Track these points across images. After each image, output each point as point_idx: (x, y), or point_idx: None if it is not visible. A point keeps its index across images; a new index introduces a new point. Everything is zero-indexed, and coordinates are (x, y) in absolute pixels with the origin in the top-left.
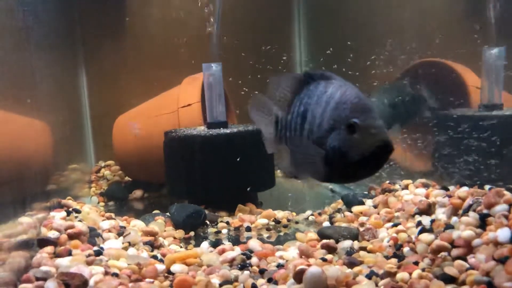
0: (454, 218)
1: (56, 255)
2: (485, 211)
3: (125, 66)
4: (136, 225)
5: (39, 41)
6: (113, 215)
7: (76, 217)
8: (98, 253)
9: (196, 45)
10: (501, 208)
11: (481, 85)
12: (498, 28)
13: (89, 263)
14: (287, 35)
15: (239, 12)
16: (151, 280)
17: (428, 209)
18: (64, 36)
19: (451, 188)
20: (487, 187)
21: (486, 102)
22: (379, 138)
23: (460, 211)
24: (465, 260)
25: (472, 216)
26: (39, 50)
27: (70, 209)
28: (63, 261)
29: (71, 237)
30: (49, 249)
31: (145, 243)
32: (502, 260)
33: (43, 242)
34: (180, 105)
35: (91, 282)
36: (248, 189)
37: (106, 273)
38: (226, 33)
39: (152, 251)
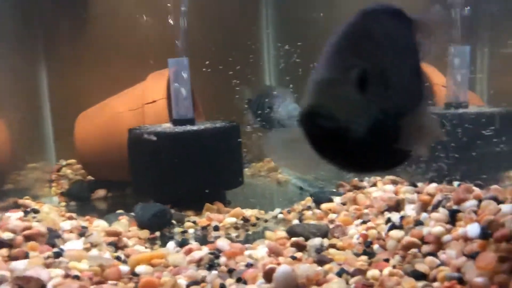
0: (424, 215)
1: (11, 258)
2: (454, 207)
3: (88, 62)
4: (98, 225)
5: None
6: (74, 215)
7: (34, 217)
8: (58, 254)
9: (161, 40)
10: (470, 203)
11: (447, 83)
12: (463, 27)
13: (47, 266)
14: (255, 27)
15: (206, 4)
16: (115, 282)
17: (397, 206)
18: (23, 31)
19: (420, 184)
20: (456, 183)
21: (452, 101)
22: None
23: (430, 207)
24: (436, 256)
25: (442, 212)
26: None
27: (28, 209)
28: (19, 264)
29: (28, 238)
30: (4, 251)
31: (108, 244)
32: (472, 256)
33: None
34: (145, 102)
35: (49, 286)
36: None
37: (66, 276)
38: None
39: (115, 252)
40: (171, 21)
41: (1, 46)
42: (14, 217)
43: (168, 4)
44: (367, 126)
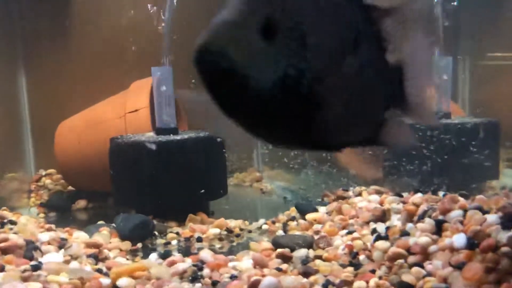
0: (410, 225)
1: None
2: (440, 217)
3: (68, 70)
4: (79, 237)
5: None
6: (53, 226)
7: (11, 229)
8: (36, 267)
9: (143, 48)
10: (456, 214)
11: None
12: (445, 38)
13: (25, 279)
14: None
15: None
16: None
17: (382, 216)
18: (1, 38)
19: (405, 194)
20: (441, 193)
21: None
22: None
23: (415, 218)
24: (422, 267)
25: (428, 222)
26: None
27: (5, 221)
28: None
29: (5, 251)
30: None
31: (89, 256)
32: (459, 266)
33: None
34: (127, 111)
35: None
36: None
37: None
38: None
39: (96, 264)
40: (159, 29)
41: None
42: None
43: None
44: (270, 79)
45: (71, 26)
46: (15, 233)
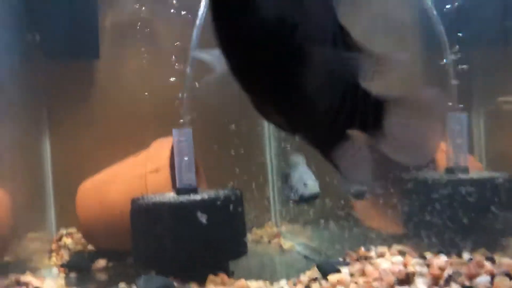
0: None
1: None
2: (466, 282)
3: (91, 131)
4: None
5: (4, 109)
6: None
7: None
8: None
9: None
10: (483, 279)
11: (446, 149)
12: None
13: None
14: None
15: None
16: None
17: (407, 279)
18: (28, 101)
19: (428, 256)
20: (465, 256)
21: (452, 166)
22: None
23: (441, 282)
24: None
25: None
26: (3, 118)
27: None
28: None
29: None
30: None
31: None
32: None
33: None
34: (148, 170)
35: None
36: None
37: None
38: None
39: None
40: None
41: (8, 119)
42: None
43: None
44: (272, 15)
45: (93, 91)
46: None
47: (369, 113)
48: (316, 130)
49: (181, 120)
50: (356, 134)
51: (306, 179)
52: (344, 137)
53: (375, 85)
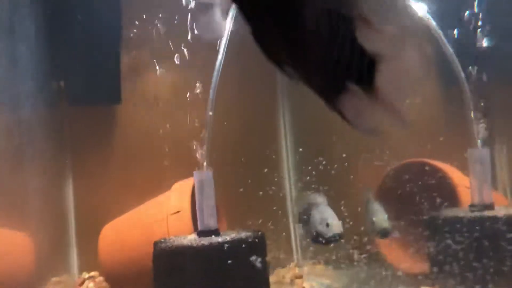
0: None
1: None
2: None
3: (113, 173)
4: None
5: (31, 155)
6: None
7: None
8: None
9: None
10: None
11: (470, 185)
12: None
13: None
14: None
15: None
16: None
17: None
18: (52, 146)
19: None
20: None
21: (477, 202)
22: None
23: None
24: None
25: None
26: (30, 164)
27: None
28: None
29: None
30: None
31: None
32: None
33: None
34: (170, 212)
35: None
36: None
37: None
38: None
39: None
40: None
41: (34, 167)
42: None
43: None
44: None
45: (115, 135)
46: None
47: (364, 68)
48: (319, 78)
49: (203, 163)
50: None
51: (328, 219)
52: (346, 87)
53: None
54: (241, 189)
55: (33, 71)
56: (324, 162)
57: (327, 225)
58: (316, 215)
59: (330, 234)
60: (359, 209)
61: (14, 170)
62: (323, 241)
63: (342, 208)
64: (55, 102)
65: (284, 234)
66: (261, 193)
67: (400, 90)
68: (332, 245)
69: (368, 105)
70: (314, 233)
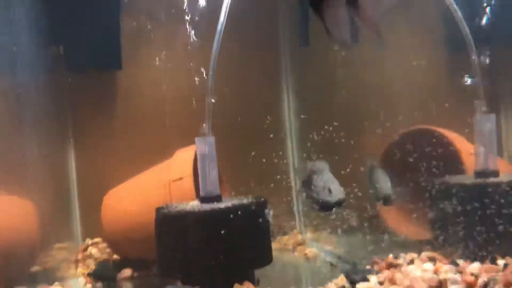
0: None
1: None
2: None
3: (115, 140)
4: None
5: (31, 121)
6: None
7: None
8: None
9: (187, 118)
10: None
11: (475, 152)
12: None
13: None
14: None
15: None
16: None
17: (439, 287)
18: (53, 112)
19: (461, 262)
20: (500, 262)
21: (481, 169)
22: None
23: None
24: None
25: None
26: (30, 130)
27: None
28: None
29: None
30: None
31: None
32: None
33: None
34: (172, 179)
35: None
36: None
37: None
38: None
39: None
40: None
41: (34, 132)
42: None
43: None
44: None
45: (116, 101)
46: None
47: None
48: None
49: (205, 129)
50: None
51: (330, 185)
52: (333, 2)
53: None
54: (244, 157)
55: (31, 35)
56: (327, 129)
57: (329, 191)
58: (318, 182)
59: (332, 200)
60: (362, 176)
61: (13, 136)
62: (326, 208)
63: (343, 173)
64: (54, 68)
65: (286, 201)
66: (264, 160)
67: (379, 3)
68: (334, 211)
69: (346, 16)
70: (316, 200)
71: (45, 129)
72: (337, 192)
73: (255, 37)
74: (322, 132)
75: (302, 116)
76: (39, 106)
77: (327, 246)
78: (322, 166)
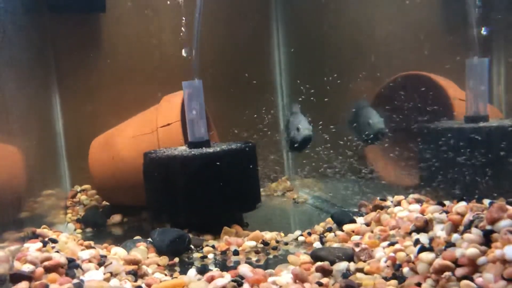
0: (455, 235)
1: None
2: (488, 227)
3: (101, 86)
4: (117, 253)
5: (9, 61)
6: (92, 243)
7: (53, 247)
8: (78, 286)
9: (173, 63)
10: (506, 223)
11: (466, 97)
12: (480, 40)
13: None
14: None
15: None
16: None
17: (425, 226)
18: (35, 55)
19: (447, 203)
20: (486, 201)
21: (472, 114)
22: None
23: (461, 228)
24: (472, 279)
25: (475, 233)
26: (9, 71)
27: (46, 239)
28: None
29: (48, 270)
30: (24, 284)
31: (128, 273)
32: None
33: (17, 277)
34: (159, 125)
35: None
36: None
37: None
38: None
39: (135, 281)
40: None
41: (15, 75)
42: (33, 248)
43: (182, 29)
44: None
45: (103, 42)
46: (57, 251)
47: None
48: None
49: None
50: None
51: (299, 125)
52: None
53: None
54: (233, 104)
55: None
56: (318, 74)
57: (297, 129)
58: (292, 123)
59: (299, 137)
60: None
61: None
62: (294, 145)
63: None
64: (34, 8)
65: (276, 149)
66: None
67: None
68: (302, 150)
69: None
70: (289, 139)
71: (28, 73)
72: (304, 129)
73: None
74: (313, 77)
75: (292, 49)
76: (20, 49)
77: (315, 192)
78: (297, 108)
